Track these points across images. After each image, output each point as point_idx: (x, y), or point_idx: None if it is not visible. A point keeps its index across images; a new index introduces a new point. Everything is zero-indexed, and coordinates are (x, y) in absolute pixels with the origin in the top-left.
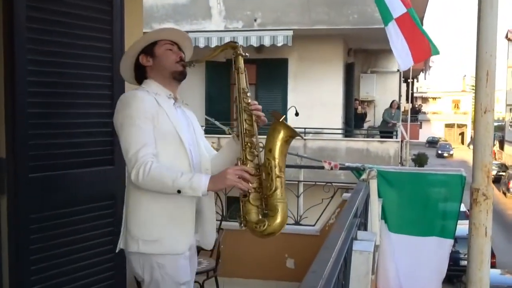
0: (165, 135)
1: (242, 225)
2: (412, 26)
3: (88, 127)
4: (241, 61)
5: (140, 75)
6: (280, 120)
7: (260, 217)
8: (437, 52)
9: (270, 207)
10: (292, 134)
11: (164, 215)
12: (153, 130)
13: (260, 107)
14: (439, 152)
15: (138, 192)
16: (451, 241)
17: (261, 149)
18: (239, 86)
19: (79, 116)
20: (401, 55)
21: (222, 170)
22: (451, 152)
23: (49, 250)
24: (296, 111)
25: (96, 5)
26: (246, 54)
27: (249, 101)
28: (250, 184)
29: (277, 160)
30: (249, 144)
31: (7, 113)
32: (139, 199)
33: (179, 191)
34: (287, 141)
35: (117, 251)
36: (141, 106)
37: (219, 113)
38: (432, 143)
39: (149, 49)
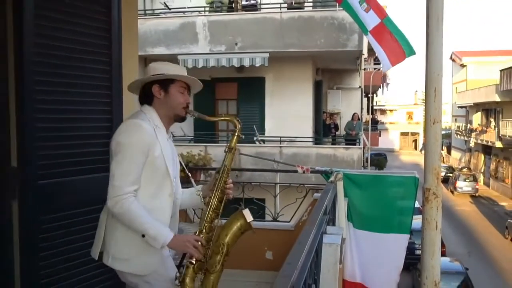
0: (156, 166)
1: (177, 282)
2: (386, 34)
3: (90, 138)
4: (236, 141)
5: (143, 97)
6: (247, 220)
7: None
8: (411, 53)
9: (206, 280)
10: (249, 229)
11: (136, 239)
12: (144, 162)
13: (232, 186)
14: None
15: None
16: (407, 236)
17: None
18: (227, 164)
19: (82, 129)
20: (381, 59)
21: (184, 236)
22: None
23: (57, 248)
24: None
25: (96, 32)
26: (243, 136)
27: (228, 180)
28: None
29: (228, 247)
30: (211, 218)
31: (18, 127)
32: (114, 219)
33: (143, 235)
34: (242, 233)
35: (96, 258)
36: (141, 140)
37: (205, 127)
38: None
39: (165, 84)
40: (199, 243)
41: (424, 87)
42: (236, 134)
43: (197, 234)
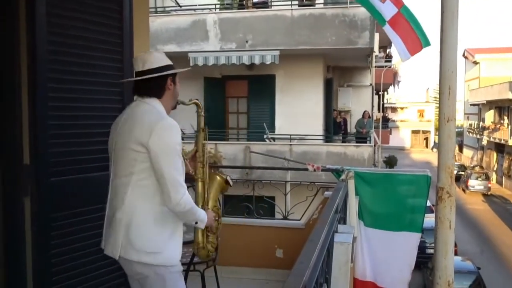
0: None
1: (197, 250)
2: (404, 23)
3: (103, 136)
4: (202, 121)
5: (153, 89)
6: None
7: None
8: (427, 44)
9: (212, 239)
10: (226, 185)
11: (165, 231)
12: None
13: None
14: None
15: (147, 207)
16: (419, 235)
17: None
18: (202, 142)
19: (95, 126)
20: (400, 50)
21: (208, 212)
22: None
23: (68, 245)
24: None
25: (108, 30)
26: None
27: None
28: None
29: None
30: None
31: (31, 125)
32: (146, 217)
33: (196, 222)
34: (222, 190)
35: (117, 258)
36: (179, 138)
37: (216, 123)
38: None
39: (174, 76)
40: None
41: (438, 85)
42: (201, 114)
43: (204, 206)
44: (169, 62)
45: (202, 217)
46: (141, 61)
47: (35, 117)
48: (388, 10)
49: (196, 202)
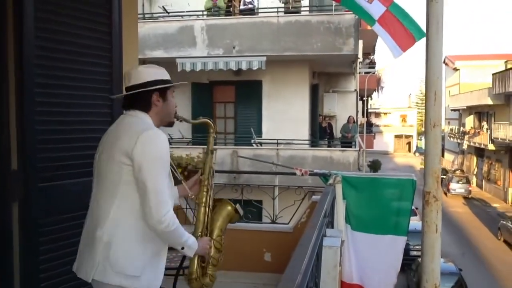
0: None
1: (188, 280)
2: (394, 21)
3: (91, 141)
4: (213, 142)
5: (139, 103)
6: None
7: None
8: (421, 36)
9: (212, 273)
10: (236, 215)
11: (148, 252)
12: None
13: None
14: None
15: (132, 223)
16: (404, 238)
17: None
18: (210, 165)
19: (83, 131)
20: (391, 47)
21: (202, 240)
22: None
23: (57, 250)
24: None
25: (97, 35)
26: (215, 135)
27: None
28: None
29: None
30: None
31: (18, 130)
32: (129, 234)
33: (182, 248)
34: (230, 220)
35: (90, 281)
36: (167, 150)
37: (204, 128)
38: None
39: (163, 91)
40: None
41: (424, 91)
42: (213, 135)
43: (202, 234)
44: (158, 77)
45: (190, 243)
46: (128, 76)
47: (22, 122)
48: (376, 10)
49: (195, 229)
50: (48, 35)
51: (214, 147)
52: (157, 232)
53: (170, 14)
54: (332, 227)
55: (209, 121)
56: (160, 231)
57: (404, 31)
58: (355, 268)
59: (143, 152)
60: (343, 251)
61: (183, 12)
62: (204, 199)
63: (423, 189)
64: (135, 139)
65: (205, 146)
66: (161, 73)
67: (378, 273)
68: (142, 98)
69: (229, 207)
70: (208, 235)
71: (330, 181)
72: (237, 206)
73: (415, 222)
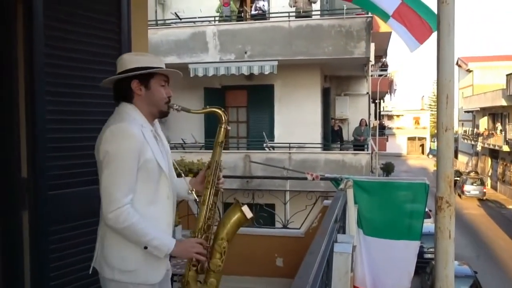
0: (149, 170)
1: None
2: (409, 13)
3: None
4: (224, 134)
5: (120, 93)
6: (246, 216)
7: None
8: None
9: (211, 281)
10: (247, 222)
11: (139, 247)
12: (136, 169)
13: (224, 180)
14: None
15: None
16: (417, 243)
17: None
18: (217, 159)
19: (93, 139)
20: (407, 41)
21: (186, 241)
22: None
23: (67, 258)
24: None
25: (107, 43)
26: (229, 127)
27: (220, 175)
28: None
29: (228, 242)
30: (210, 217)
31: (29, 138)
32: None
33: (145, 247)
34: (239, 226)
35: (90, 272)
36: (131, 146)
37: (216, 132)
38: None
39: (144, 78)
40: (202, 246)
41: (436, 94)
42: (223, 126)
43: (196, 235)
44: (139, 64)
45: (157, 244)
46: (116, 66)
47: (33, 130)
48: (390, 4)
49: (195, 228)
50: (58, 43)
51: (226, 151)
52: (111, 228)
53: (183, 20)
54: (344, 232)
55: (218, 110)
56: (111, 227)
57: (421, 22)
58: (368, 273)
59: (104, 148)
60: (355, 256)
61: (195, 18)
62: (206, 197)
63: (436, 194)
64: (102, 135)
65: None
66: (145, 60)
67: (392, 278)
68: (122, 87)
69: (239, 213)
70: (205, 236)
71: (341, 185)
72: (245, 208)
73: (429, 225)
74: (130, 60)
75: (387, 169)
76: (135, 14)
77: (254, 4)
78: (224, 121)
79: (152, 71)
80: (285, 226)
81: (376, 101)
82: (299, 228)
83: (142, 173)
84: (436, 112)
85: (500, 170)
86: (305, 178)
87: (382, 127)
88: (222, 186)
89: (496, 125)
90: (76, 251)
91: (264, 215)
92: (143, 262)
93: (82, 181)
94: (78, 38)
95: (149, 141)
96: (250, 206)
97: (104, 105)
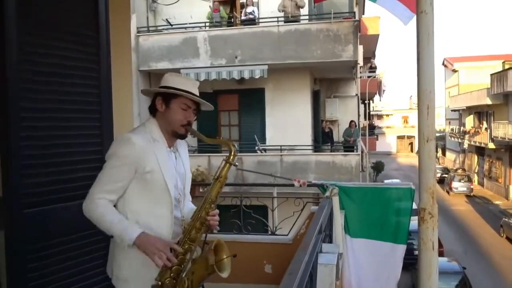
0: (148, 181)
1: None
2: None
3: (79, 164)
4: (227, 170)
5: (151, 107)
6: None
7: None
8: None
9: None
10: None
11: (138, 258)
12: (130, 176)
13: (217, 218)
14: None
15: None
16: (404, 247)
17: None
18: (210, 195)
19: (71, 154)
20: (400, 14)
21: (154, 238)
22: None
23: (46, 277)
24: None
25: (85, 56)
26: (236, 164)
27: (210, 212)
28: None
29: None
30: (185, 250)
31: (3, 156)
32: None
33: (111, 236)
34: (209, 274)
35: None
36: (127, 153)
37: (209, 136)
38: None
39: (167, 97)
40: (172, 251)
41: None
42: (228, 162)
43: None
44: (170, 84)
45: (119, 231)
46: None
47: (7, 148)
48: None
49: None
50: (33, 58)
51: (218, 154)
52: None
53: (174, 26)
54: (331, 240)
55: (230, 145)
56: (86, 216)
57: None
58: (355, 277)
59: (107, 152)
60: (342, 264)
61: (186, 24)
62: (186, 230)
63: (418, 205)
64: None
65: (211, 154)
66: (175, 81)
67: (378, 280)
68: (152, 102)
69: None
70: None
71: (327, 193)
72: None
73: (417, 222)
74: (165, 79)
75: (377, 168)
76: (117, 22)
77: (244, 9)
78: (231, 157)
79: (173, 92)
80: (273, 233)
81: (366, 101)
82: (287, 235)
83: (139, 183)
84: None
85: (486, 166)
86: (293, 185)
87: (372, 127)
88: (214, 223)
89: (482, 123)
90: (55, 269)
91: (252, 222)
92: (135, 275)
93: (60, 198)
94: (55, 52)
95: (157, 154)
96: (238, 212)
97: (82, 119)
